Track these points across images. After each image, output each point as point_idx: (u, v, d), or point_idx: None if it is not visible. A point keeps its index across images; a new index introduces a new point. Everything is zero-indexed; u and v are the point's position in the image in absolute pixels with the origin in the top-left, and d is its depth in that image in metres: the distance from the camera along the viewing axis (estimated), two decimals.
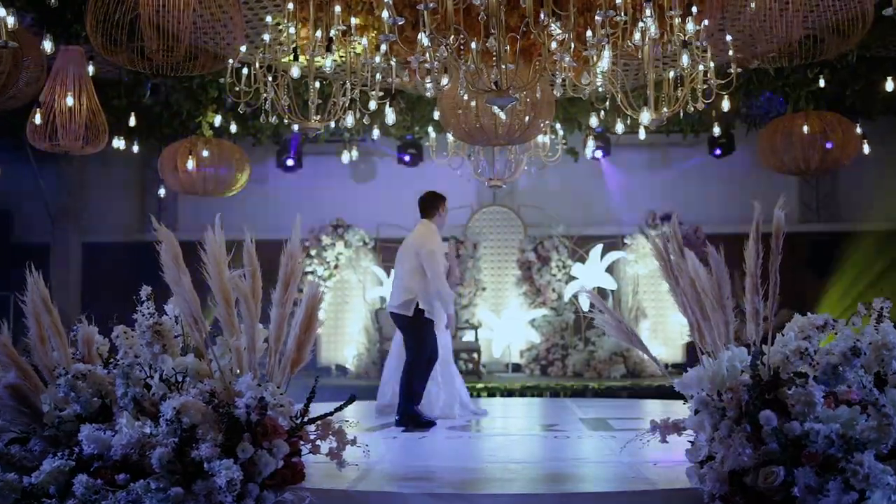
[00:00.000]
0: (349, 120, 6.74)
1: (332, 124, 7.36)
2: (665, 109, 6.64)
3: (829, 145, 8.87)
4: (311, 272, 13.64)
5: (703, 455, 4.05)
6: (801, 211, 14.77)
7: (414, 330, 7.31)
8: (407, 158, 13.62)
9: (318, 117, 7.19)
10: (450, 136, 8.51)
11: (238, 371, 4.31)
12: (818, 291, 13.36)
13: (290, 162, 13.92)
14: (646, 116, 6.12)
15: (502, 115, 6.97)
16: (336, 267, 13.88)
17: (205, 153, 9.41)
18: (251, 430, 4.07)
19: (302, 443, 4.34)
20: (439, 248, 7.60)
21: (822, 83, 9.23)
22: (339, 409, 4.27)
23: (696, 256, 4.36)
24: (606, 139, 13.29)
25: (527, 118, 7.17)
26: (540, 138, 8.66)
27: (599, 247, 13.74)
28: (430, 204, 7.76)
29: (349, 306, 14.07)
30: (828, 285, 13.64)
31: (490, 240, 14.40)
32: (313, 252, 13.67)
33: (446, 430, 6.77)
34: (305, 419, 4.32)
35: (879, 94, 9.88)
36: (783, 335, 4.30)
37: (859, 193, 14.40)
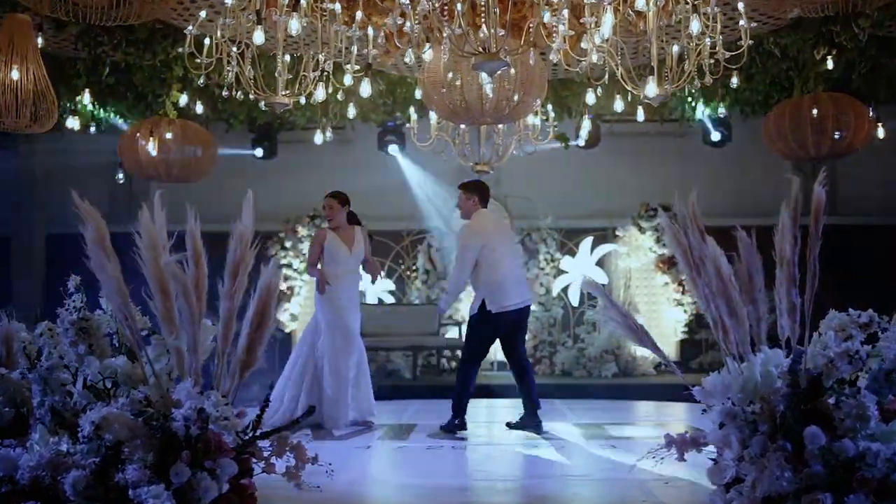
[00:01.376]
0: (319, 93, 6.06)
1: (303, 100, 6.68)
2: (669, 85, 6.02)
3: (836, 135, 8.23)
4: (287, 265, 12.96)
5: (729, 476, 3.41)
6: (796, 203, 14.22)
7: None
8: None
9: (287, 92, 6.54)
10: (433, 118, 7.87)
11: (179, 376, 3.65)
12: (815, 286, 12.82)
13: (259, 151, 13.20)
14: (651, 88, 5.46)
15: (488, 89, 6.31)
16: None
17: (168, 135, 8.69)
18: (190, 447, 3.41)
19: (254, 461, 3.68)
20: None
21: (829, 64, 8.61)
22: (297, 421, 3.60)
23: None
24: (597, 126, 12.75)
25: (516, 96, 6.53)
26: (530, 119, 8.02)
27: (590, 239, 13.17)
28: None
29: None
30: (825, 282, 13.10)
31: None
32: (288, 244, 12.99)
33: (425, 440, 6.10)
34: (258, 433, 3.66)
35: (885, 78, 9.31)
36: (819, 334, 3.68)
37: (858, 185, 13.91)
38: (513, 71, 6.39)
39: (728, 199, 13.25)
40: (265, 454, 3.66)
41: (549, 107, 8.06)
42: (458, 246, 6.96)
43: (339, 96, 6.47)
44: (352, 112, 8.55)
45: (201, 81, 6.44)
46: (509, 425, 6.63)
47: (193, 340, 3.59)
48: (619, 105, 6.66)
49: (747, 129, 12.26)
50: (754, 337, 3.49)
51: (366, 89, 6.30)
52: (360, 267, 7.38)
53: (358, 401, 6.98)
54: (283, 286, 12.92)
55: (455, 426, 6.47)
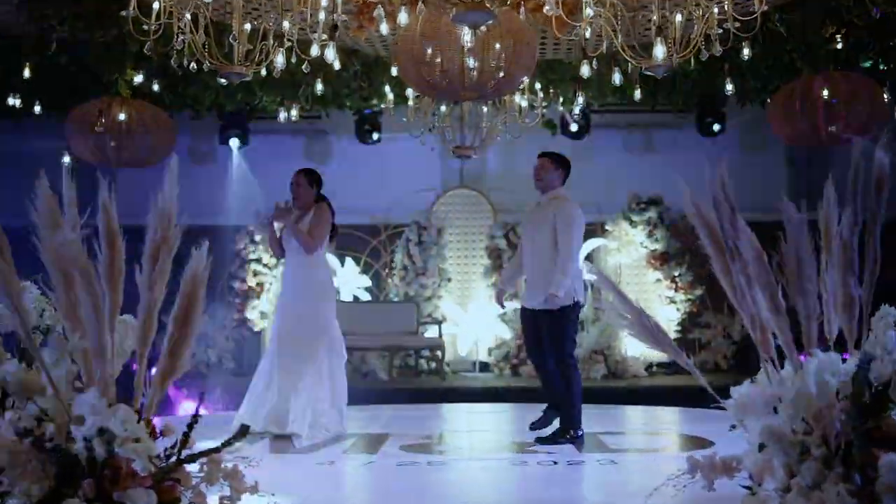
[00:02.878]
0: (279, 60, 5.35)
1: (263, 71, 5.96)
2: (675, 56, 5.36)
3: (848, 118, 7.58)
4: (257, 259, 12.23)
5: None
6: (791, 199, 13.63)
7: None
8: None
9: (246, 63, 5.83)
10: (410, 97, 7.18)
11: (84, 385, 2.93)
12: None
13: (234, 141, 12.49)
14: (660, 50, 4.79)
15: (471, 62, 5.62)
16: None
17: (121, 116, 7.94)
18: (95, 474, 2.70)
19: (182, 489, 2.97)
20: None
21: (839, 44, 7.98)
22: (230, 442, 2.88)
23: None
24: (587, 117, 12.14)
25: (501, 73, 5.84)
26: (516, 99, 7.34)
27: None
28: None
29: None
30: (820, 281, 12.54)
31: (456, 226, 13.12)
32: (258, 238, 12.25)
33: (396, 454, 5.38)
34: (183, 455, 2.95)
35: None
36: (873, 334, 3.00)
37: None
38: (498, 45, 5.73)
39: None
40: (194, 481, 2.95)
41: (538, 85, 7.35)
42: (569, 219, 6.09)
43: (305, 68, 5.73)
44: (320, 87, 7.80)
45: (146, 50, 5.70)
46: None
47: (100, 340, 2.86)
48: (616, 77, 5.96)
49: (744, 116, 11.81)
50: (806, 338, 2.81)
51: (331, 54, 5.56)
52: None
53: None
54: (253, 282, 12.22)
55: (579, 436, 5.75)
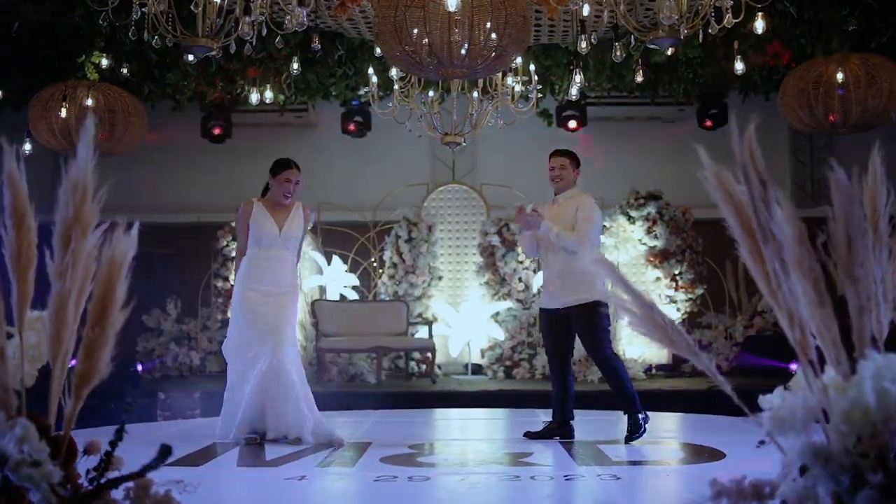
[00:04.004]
0: (246, 29, 4.85)
1: (234, 46, 5.46)
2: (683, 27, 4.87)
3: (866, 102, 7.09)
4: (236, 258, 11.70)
5: None
6: (794, 194, 13.33)
7: None
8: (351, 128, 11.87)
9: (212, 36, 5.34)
10: (395, 81, 6.69)
11: None
12: None
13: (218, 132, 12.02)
14: (669, 4, 4.30)
15: (458, 34, 5.14)
16: None
17: (88, 101, 7.43)
18: None
19: None
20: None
21: (853, 26, 7.51)
22: (152, 467, 2.37)
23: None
24: (583, 109, 11.73)
25: (493, 50, 5.36)
26: (509, 81, 6.85)
27: None
28: None
29: None
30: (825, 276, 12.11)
31: (448, 222, 12.61)
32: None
33: (376, 466, 4.87)
34: (104, 479, 2.45)
35: None
36: None
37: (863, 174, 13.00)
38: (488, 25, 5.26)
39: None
40: None
41: (532, 67, 6.84)
42: (591, 212, 6.08)
43: (278, 42, 5.24)
44: (295, 66, 7.27)
45: (102, 20, 5.21)
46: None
47: None
48: (616, 53, 5.47)
49: (748, 107, 11.36)
50: (858, 336, 2.31)
51: (299, 15, 5.04)
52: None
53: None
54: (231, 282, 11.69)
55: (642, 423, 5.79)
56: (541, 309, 6.21)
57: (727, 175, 2.58)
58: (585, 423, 6.86)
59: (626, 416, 5.86)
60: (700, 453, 5.28)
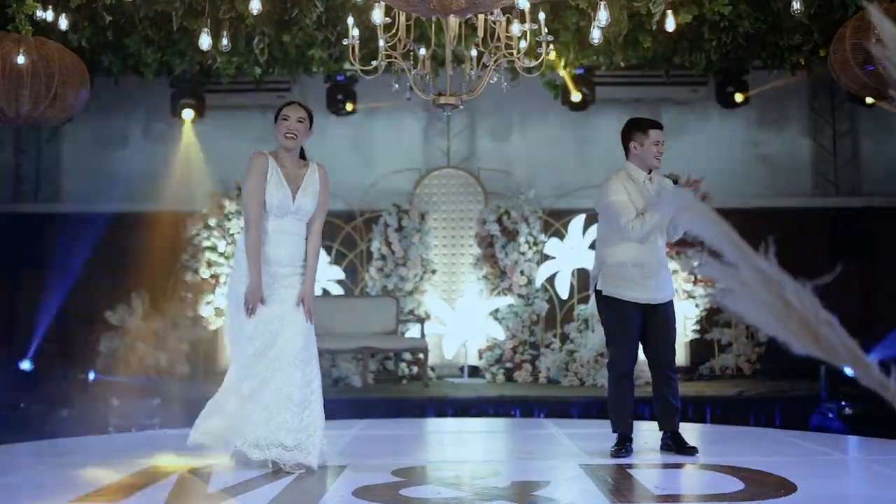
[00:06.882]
0: None
1: None
2: None
3: None
4: (211, 248, 10.72)
5: None
6: (816, 182, 12.57)
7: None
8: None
9: None
10: (377, 17, 5.61)
11: None
12: (836, 276, 11.13)
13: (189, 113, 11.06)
14: None
15: None
16: None
17: (20, 59, 6.31)
18: None
19: None
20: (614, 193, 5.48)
21: None
22: None
23: None
24: (592, 86, 10.85)
25: None
26: (514, 30, 5.76)
27: (581, 218, 11.16)
28: (622, 137, 5.82)
29: None
30: (848, 270, 11.27)
31: (442, 210, 11.83)
32: (212, 222, 10.75)
33: (346, 498, 3.79)
34: None
35: None
36: None
37: (887, 162, 12.20)
38: None
39: (739, 174, 11.54)
40: None
41: (542, 16, 5.77)
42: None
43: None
44: (255, 6, 6.15)
45: None
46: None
47: None
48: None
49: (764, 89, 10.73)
50: None
51: None
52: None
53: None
54: (207, 274, 10.70)
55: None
56: (630, 302, 5.32)
57: None
58: (595, 433, 5.83)
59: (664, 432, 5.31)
60: (765, 483, 4.13)
